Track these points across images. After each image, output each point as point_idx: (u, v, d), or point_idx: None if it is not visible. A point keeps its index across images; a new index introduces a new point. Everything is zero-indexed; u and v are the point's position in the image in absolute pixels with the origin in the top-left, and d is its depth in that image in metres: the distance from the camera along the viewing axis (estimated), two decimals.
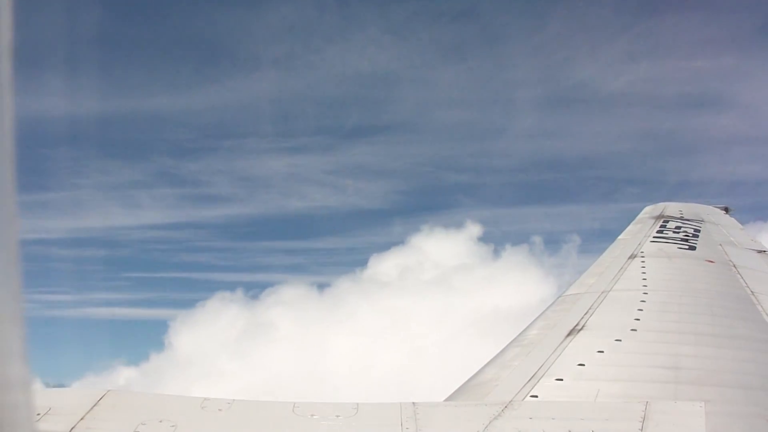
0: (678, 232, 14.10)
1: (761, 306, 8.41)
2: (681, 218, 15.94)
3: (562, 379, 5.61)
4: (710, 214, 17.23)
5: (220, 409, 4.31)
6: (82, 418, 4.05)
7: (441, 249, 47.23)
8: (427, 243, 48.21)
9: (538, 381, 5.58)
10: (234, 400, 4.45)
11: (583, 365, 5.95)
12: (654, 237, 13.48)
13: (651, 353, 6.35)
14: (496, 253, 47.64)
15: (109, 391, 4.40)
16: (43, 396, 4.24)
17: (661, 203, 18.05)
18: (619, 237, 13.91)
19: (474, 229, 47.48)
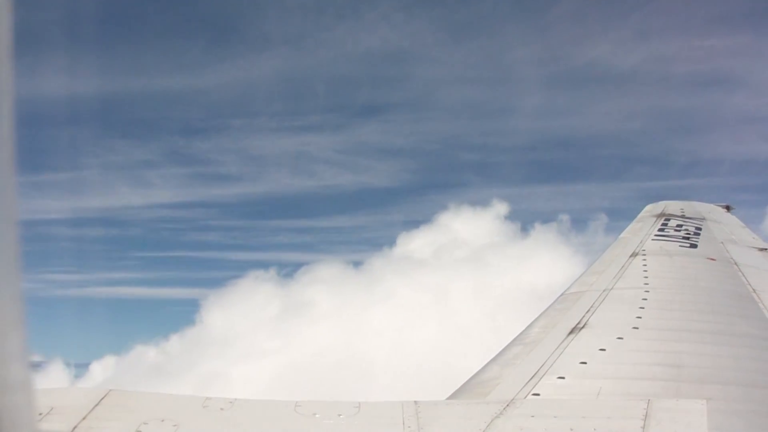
0: (679, 231, 14.09)
1: (763, 304, 8.40)
2: (682, 216, 15.94)
3: (564, 378, 5.61)
4: (711, 212, 17.22)
5: (222, 408, 4.31)
6: (84, 418, 4.05)
7: (468, 227, 47.41)
8: (454, 221, 48.38)
9: (540, 379, 5.58)
10: (236, 399, 4.45)
11: (585, 363, 5.95)
12: (655, 235, 13.48)
13: (653, 351, 6.35)
14: (523, 231, 47.84)
15: (111, 390, 4.40)
16: (45, 395, 4.24)
17: (662, 202, 18.04)
18: (621, 235, 13.91)
19: (499, 208, 47.68)
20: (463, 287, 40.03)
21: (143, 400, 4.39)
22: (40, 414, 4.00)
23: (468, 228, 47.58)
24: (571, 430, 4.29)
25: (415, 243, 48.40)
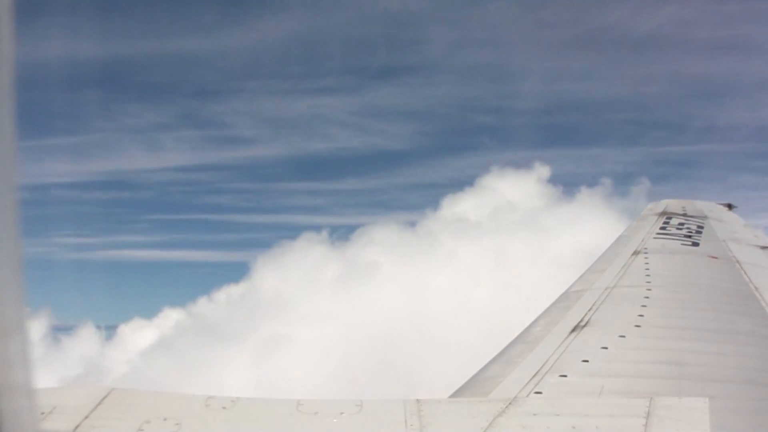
0: (681, 229, 14.09)
1: (765, 302, 8.40)
2: (684, 215, 15.94)
3: (566, 376, 5.60)
4: (713, 210, 17.22)
5: (224, 407, 4.31)
6: (86, 417, 4.06)
7: (512, 190, 47.49)
8: (496, 184, 48.45)
9: (542, 377, 5.58)
10: (238, 398, 4.45)
11: (587, 361, 5.94)
12: (657, 233, 13.48)
13: (655, 349, 6.35)
14: (565, 194, 47.92)
15: (113, 389, 4.41)
16: (47, 394, 4.24)
17: (663, 200, 18.05)
18: (622, 233, 13.91)
19: (540, 171, 47.78)
20: (514, 249, 40.01)
21: (145, 399, 4.40)
22: (43, 413, 4.01)
23: (511, 191, 47.68)
24: (574, 428, 4.29)
25: (460, 206, 48.48)
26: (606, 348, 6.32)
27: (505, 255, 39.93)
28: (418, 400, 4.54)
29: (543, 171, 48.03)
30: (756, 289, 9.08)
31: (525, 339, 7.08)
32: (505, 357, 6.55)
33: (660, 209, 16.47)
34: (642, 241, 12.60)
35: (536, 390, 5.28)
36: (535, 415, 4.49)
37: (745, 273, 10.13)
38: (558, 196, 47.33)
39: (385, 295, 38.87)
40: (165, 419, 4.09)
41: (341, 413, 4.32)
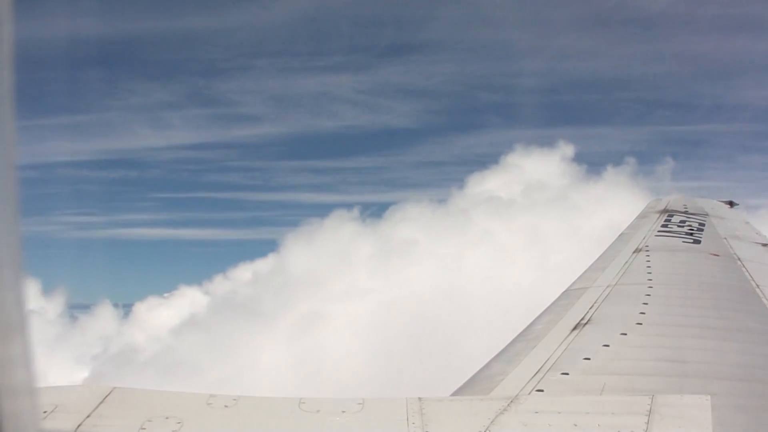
0: (682, 226, 14.09)
1: (766, 299, 8.39)
2: (685, 212, 15.93)
3: (567, 374, 5.60)
4: (714, 208, 17.22)
5: (226, 406, 4.31)
6: (88, 416, 4.06)
7: (537, 168, 47.51)
8: (521, 162, 48.49)
9: (543, 375, 5.57)
10: (240, 396, 4.46)
11: (589, 359, 5.94)
12: (659, 231, 13.48)
13: (656, 347, 6.35)
14: (589, 173, 47.98)
15: (115, 388, 4.41)
16: (49, 393, 4.25)
17: (664, 197, 18.06)
18: (624, 231, 13.90)
19: (565, 149, 47.84)
20: (545, 227, 39.96)
21: (147, 398, 4.40)
22: (45, 412, 4.02)
23: (537, 169, 47.76)
24: (575, 426, 4.29)
25: (486, 184, 48.54)
26: (607, 346, 6.31)
27: (537, 233, 39.80)
28: (420, 399, 4.54)
29: (567, 149, 48.15)
30: (757, 286, 9.07)
31: (526, 337, 7.08)
32: (506, 355, 6.55)
33: (661, 207, 16.47)
34: (643, 238, 12.60)
35: (538, 388, 5.28)
36: (536, 413, 4.49)
37: (747, 270, 10.13)
38: (582, 175, 47.42)
39: (418, 273, 38.77)
40: (167, 418, 4.09)
41: (343, 412, 4.33)
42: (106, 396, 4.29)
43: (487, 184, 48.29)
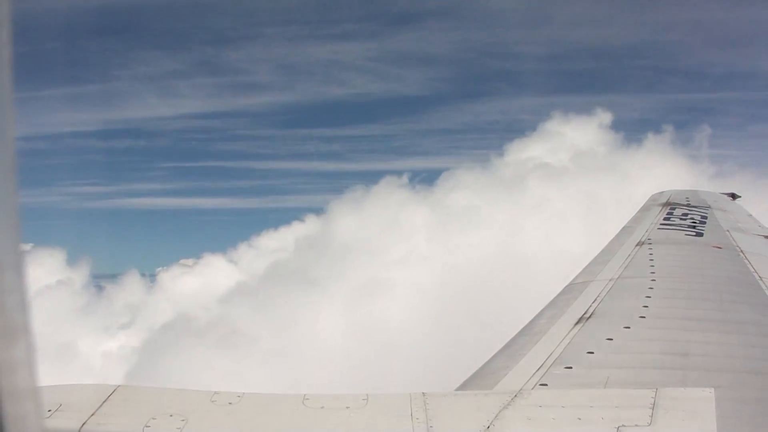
0: (685, 219, 14.08)
1: None
2: (688, 205, 15.92)
3: (571, 367, 5.60)
4: (717, 200, 17.21)
5: (230, 403, 4.32)
6: (93, 414, 4.07)
7: (576, 135, 47.53)
8: (560, 129, 48.54)
9: (547, 370, 5.58)
10: (244, 393, 4.46)
11: (593, 353, 5.94)
12: (661, 224, 13.47)
13: (660, 340, 6.34)
14: (627, 140, 47.98)
15: (119, 386, 4.42)
16: (54, 392, 4.26)
17: (667, 190, 18.04)
18: (626, 224, 13.90)
19: (602, 117, 47.81)
20: (592, 193, 40.00)
21: (152, 395, 4.41)
22: (50, 410, 4.03)
23: (576, 136, 47.82)
24: (579, 419, 4.29)
25: (526, 151, 48.67)
26: (611, 339, 6.32)
27: (589, 199, 39.79)
28: (424, 394, 4.55)
29: (604, 117, 48.19)
30: (760, 278, 9.06)
31: (530, 331, 7.08)
32: (510, 349, 6.56)
33: (663, 200, 16.46)
34: (646, 231, 12.59)
35: (542, 382, 5.28)
36: (540, 407, 4.49)
37: (750, 263, 10.12)
38: (621, 142, 47.44)
39: (473, 239, 38.78)
40: (171, 415, 4.10)
41: (347, 407, 4.33)
42: (111, 394, 4.30)
43: (528, 151, 48.33)
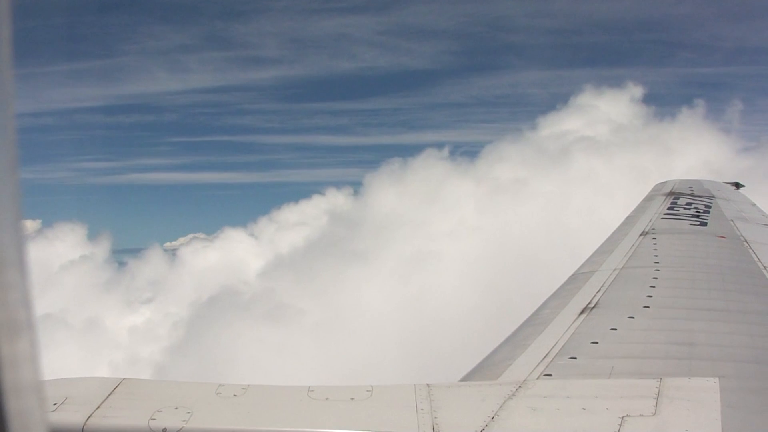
0: (689, 209, 14.05)
1: None
2: (691, 195, 15.89)
3: (575, 358, 5.60)
4: (720, 190, 17.17)
5: (235, 395, 4.33)
6: (98, 407, 4.08)
7: (609, 109, 47.46)
8: (592, 102, 48.46)
9: (551, 360, 5.58)
10: (249, 385, 4.47)
11: (597, 343, 5.94)
12: (665, 214, 13.45)
13: (664, 330, 6.34)
14: (657, 115, 48.15)
15: (124, 379, 4.43)
16: (58, 386, 4.27)
17: (670, 180, 18.01)
18: (630, 214, 13.88)
19: (634, 90, 47.72)
20: (636, 166, 39.84)
21: (156, 388, 4.42)
22: (55, 404, 4.04)
23: (609, 109, 47.75)
24: (584, 409, 4.29)
25: (560, 125, 48.70)
26: (615, 329, 6.31)
27: (629, 172, 39.68)
28: (428, 385, 4.55)
29: (635, 90, 48.12)
30: (765, 268, 9.05)
31: (534, 321, 7.08)
32: (514, 340, 6.56)
33: (667, 189, 16.43)
34: (650, 221, 12.57)
35: (546, 372, 5.29)
36: (545, 397, 4.50)
37: (754, 252, 10.10)
38: (654, 116, 47.50)
39: (517, 211, 38.72)
40: (176, 408, 4.11)
41: (352, 399, 4.34)
42: (115, 387, 4.31)
43: (563, 125, 48.24)
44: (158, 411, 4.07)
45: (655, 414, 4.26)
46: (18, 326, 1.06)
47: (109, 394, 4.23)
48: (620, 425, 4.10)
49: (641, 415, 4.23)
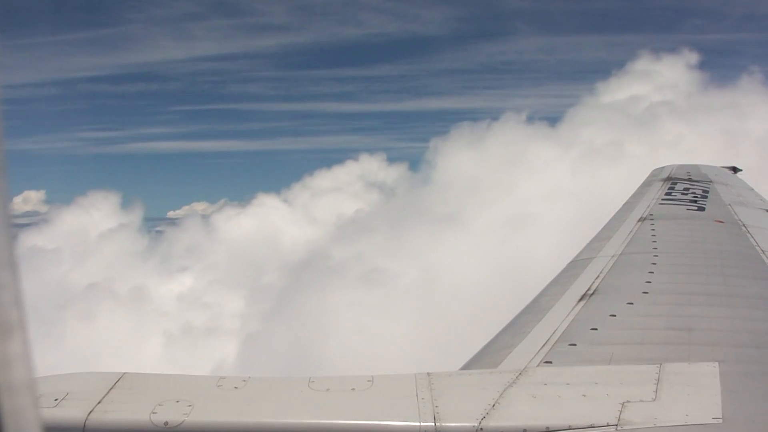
0: (686, 194, 14.05)
1: None
2: (689, 179, 15.88)
3: (575, 344, 5.61)
4: (718, 174, 17.16)
5: (236, 387, 4.33)
6: (99, 402, 4.08)
7: (666, 75, 47.35)
8: (649, 68, 48.27)
9: (551, 347, 5.59)
10: (249, 377, 4.48)
11: (596, 329, 5.95)
12: (662, 199, 13.44)
13: (663, 315, 6.35)
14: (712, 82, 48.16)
15: (125, 373, 4.43)
16: (59, 381, 4.27)
17: (668, 165, 18.00)
18: (627, 200, 13.88)
19: (688, 57, 47.70)
20: (711, 131, 39.79)
21: (157, 382, 4.42)
22: (56, 399, 4.04)
23: (668, 75, 47.70)
24: (584, 396, 4.30)
25: (620, 91, 48.56)
26: (614, 316, 6.32)
27: (714, 136, 39.57)
28: (428, 374, 4.56)
29: (690, 57, 48.10)
30: (763, 252, 9.06)
31: (533, 309, 7.09)
32: (513, 328, 6.57)
33: (664, 174, 16.42)
34: (647, 207, 12.57)
35: (546, 360, 5.30)
36: (545, 384, 4.51)
37: (752, 236, 10.10)
38: (713, 83, 47.63)
39: (609, 174, 38.48)
40: (177, 401, 4.11)
41: (353, 389, 4.35)
42: (116, 382, 4.32)
43: (625, 90, 47.95)
44: (159, 405, 4.07)
45: (655, 399, 4.27)
46: (10, 326, 1.07)
47: (110, 389, 4.23)
48: (621, 411, 4.12)
49: (641, 401, 4.24)
